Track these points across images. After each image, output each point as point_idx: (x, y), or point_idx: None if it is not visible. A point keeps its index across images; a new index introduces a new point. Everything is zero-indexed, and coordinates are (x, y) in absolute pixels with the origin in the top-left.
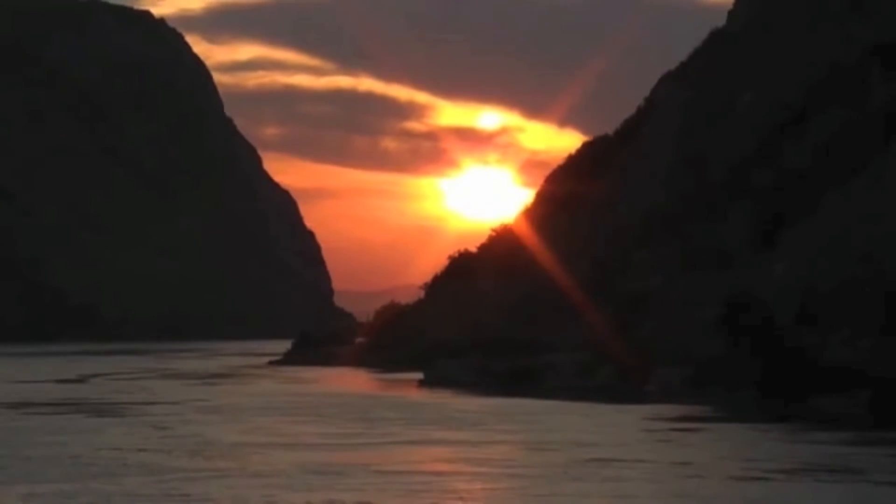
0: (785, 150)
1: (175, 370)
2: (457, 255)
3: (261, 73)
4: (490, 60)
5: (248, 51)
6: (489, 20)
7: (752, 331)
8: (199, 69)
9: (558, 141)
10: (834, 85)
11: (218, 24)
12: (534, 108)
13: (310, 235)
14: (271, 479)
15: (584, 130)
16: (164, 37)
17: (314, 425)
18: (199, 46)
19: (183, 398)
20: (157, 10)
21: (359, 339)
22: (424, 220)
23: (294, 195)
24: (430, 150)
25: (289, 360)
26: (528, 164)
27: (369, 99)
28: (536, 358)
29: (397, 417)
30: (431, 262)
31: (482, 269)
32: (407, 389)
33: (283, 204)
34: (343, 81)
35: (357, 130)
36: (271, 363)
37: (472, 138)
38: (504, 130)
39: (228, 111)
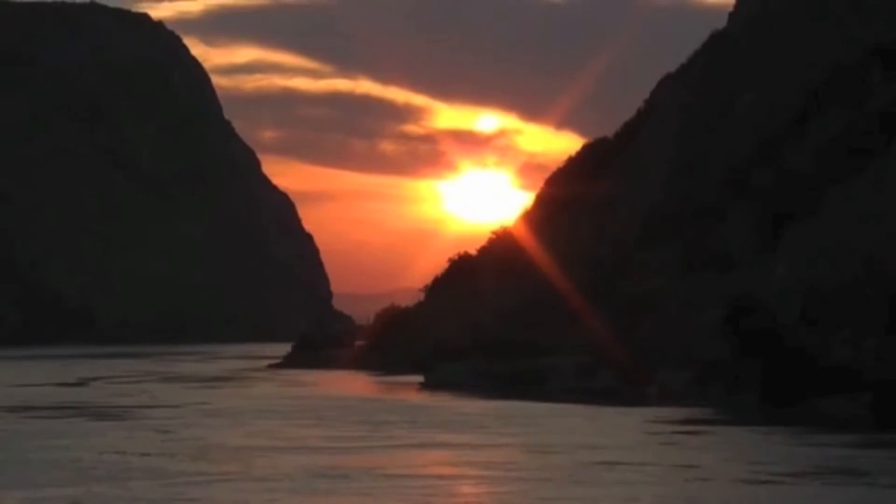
0: (785, 152)
1: (175, 373)
2: (457, 257)
3: (258, 75)
4: (487, 63)
5: (245, 53)
6: (487, 22)
7: (753, 333)
8: (197, 72)
9: (556, 143)
10: (834, 86)
11: (216, 27)
12: (531, 110)
13: (308, 238)
14: (276, 482)
15: (581, 133)
16: (163, 39)
17: (317, 428)
18: (197, 49)
19: (184, 401)
20: (155, 13)
21: (358, 342)
22: (423, 222)
23: (292, 198)
24: (428, 153)
25: (289, 363)
26: (526, 167)
27: (367, 101)
28: (537, 361)
29: (399, 420)
30: (430, 265)
31: (482, 272)
32: (408, 392)
33: (282, 206)
34: (341, 84)
35: (355, 133)
36: (271, 366)
37: (470, 141)
38: (502, 133)
39: (226, 114)
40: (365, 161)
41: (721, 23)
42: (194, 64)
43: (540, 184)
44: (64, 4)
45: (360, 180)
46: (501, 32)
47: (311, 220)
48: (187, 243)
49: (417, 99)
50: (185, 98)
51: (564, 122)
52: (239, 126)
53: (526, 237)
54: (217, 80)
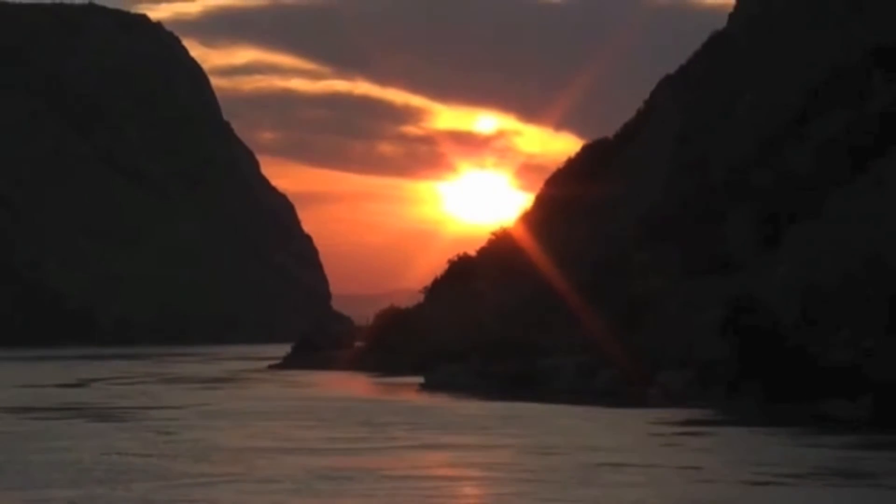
0: (786, 152)
1: (175, 374)
2: (456, 258)
3: (257, 77)
4: (486, 64)
5: (244, 55)
6: (485, 24)
7: (754, 333)
8: (196, 73)
9: (555, 144)
10: (835, 86)
11: (214, 28)
12: (530, 111)
13: (307, 239)
14: (279, 484)
15: (580, 134)
16: (161, 41)
17: (318, 429)
18: (196, 50)
19: (185, 403)
20: (153, 14)
21: (358, 343)
22: (422, 223)
23: (291, 199)
24: (427, 154)
25: (288, 363)
26: (525, 168)
27: (366, 103)
28: (538, 362)
29: (400, 421)
30: (429, 266)
31: (482, 273)
32: (408, 393)
33: (281, 208)
34: (339, 85)
35: (354, 134)
36: (271, 367)
37: (469, 142)
38: (500, 134)
39: (225, 115)
40: (364, 162)
41: (721, 23)
42: (193, 65)
43: (539, 185)
44: (62, 5)
45: (358, 181)
46: (500, 33)
47: (310, 221)
48: (186, 245)
49: (416, 100)
50: (184, 99)
51: (563, 123)
52: (237, 127)
53: (525, 238)
54: (215, 82)
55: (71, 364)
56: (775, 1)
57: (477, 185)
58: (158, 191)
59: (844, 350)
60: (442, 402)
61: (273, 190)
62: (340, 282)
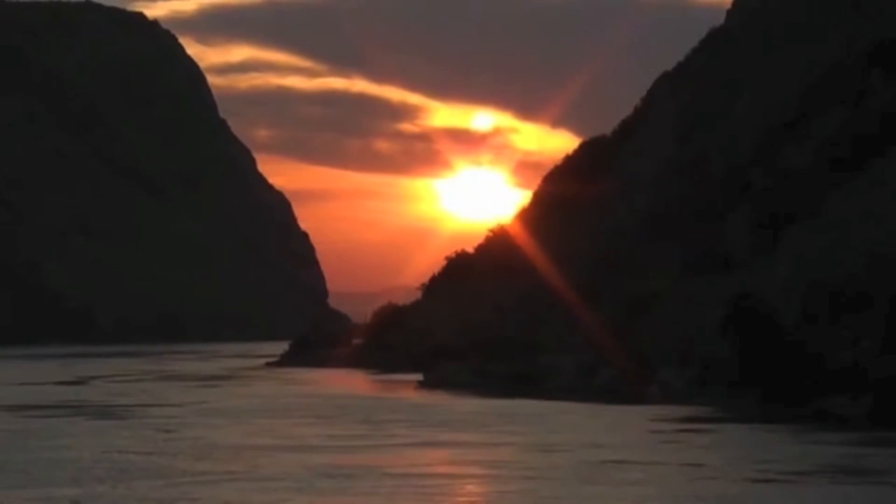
0: (785, 151)
1: (173, 372)
2: (454, 255)
3: (253, 74)
4: (482, 61)
5: (240, 52)
6: (481, 21)
7: (754, 331)
8: (193, 71)
9: (551, 142)
10: (834, 84)
11: (210, 26)
12: (526, 109)
13: (304, 237)
14: (281, 482)
15: (576, 131)
16: (158, 38)
17: (318, 427)
18: (192, 48)
19: (184, 400)
20: (150, 12)
21: (356, 341)
22: (419, 221)
23: (288, 197)
24: (424, 152)
25: (286, 361)
26: (521, 165)
27: (362, 100)
28: (537, 359)
29: (400, 419)
30: (427, 263)
31: (480, 270)
32: (406, 391)
33: (278, 206)
34: (336, 83)
35: (350, 132)
36: (269, 365)
37: (466, 139)
38: (497, 132)
39: (221, 113)
40: (360, 160)
41: (719, 20)
42: (190, 63)
43: (535, 182)
44: (59, 4)
45: (355, 179)
46: (496, 31)
47: (307, 218)
48: (184, 243)
49: (413, 97)
50: (182, 97)
51: (559, 121)
52: (233, 125)
53: (524, 236)
54: (211, 80)
55: (69, 362)
56: None
57: (474, 182)
58: (156, 189)
59: (845, 348)
60: (441, 400)
61: (270, 188)
62: (337, 279)
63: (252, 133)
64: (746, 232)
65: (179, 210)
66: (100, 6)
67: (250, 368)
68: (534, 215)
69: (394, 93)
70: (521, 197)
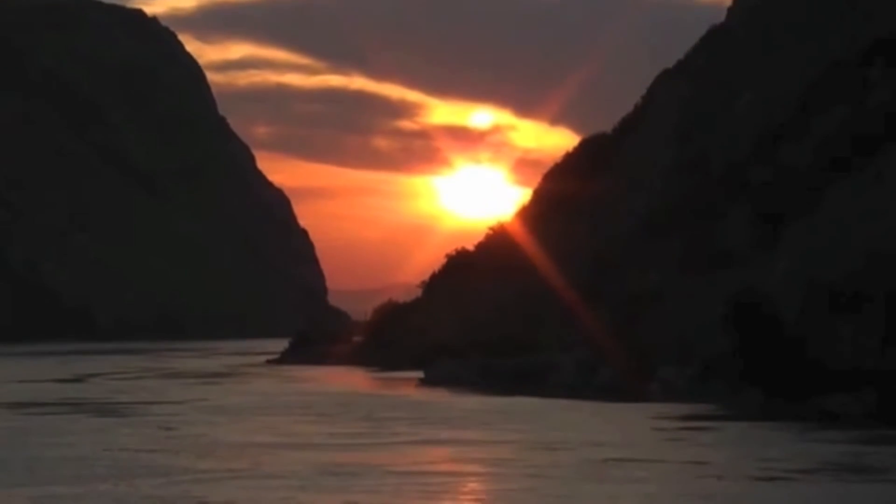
0: (785, 148)
1: (173, 369)
2: (454, 253)
3: (252, 71)
4: (481, 59)
5: (239, 49)
6: (480, 18)
7: (756, 329)
8: (192, 68)
9: (550, 139)
10: (834, 81)
11: (209, 23)
12: (525, 106)
13: (303, 234)
14: (285, 480)
15: (575, 129)
16: (157, 35)
17: (320, 425)
18: (191, 45)
19: (185, 398)
20: (149, 9)
21: (356, 338)
22: (418, 218)
23: (287, 194)
24: (423, 149)
25: (286, 358)
26: (521, 163)
27: (361, 98)
28: (537, 357)
29: (402, 417)
30: (426, 261)
31: (480, 268)
32: (407, 388)
33: (277, 203)
34: (335, 80)
35: (349, 129)
36: (269, 362)
37: (465, 137)
38: (496, 129)
39: (220, 110)
40: (359, 157)
41: (719, 17)
42: (189, 60)
43: (534, 180)
44: (58, 1)
45: (354, 176)
46: (495, 28)
47: (305, 216)
48: (183, 240)
49: (411, 95)
50: (181, 94)
51: (558, 118)
52: (233, 122)
53: (524, 233)
54: (211, 77)
55: (68, 359)
56: None
57: (472, 179)
58: (155, 187)
59: (847, 346)
60: (442, 398)
61: (270, 185)
62: (336, 276)
63: (251, 130)
64: (746, 229)
65: (178, 208)
66: (99, 3)
67: (250, 366)
68: (534, 213)
69: (393, 90)
70: (520, 194)
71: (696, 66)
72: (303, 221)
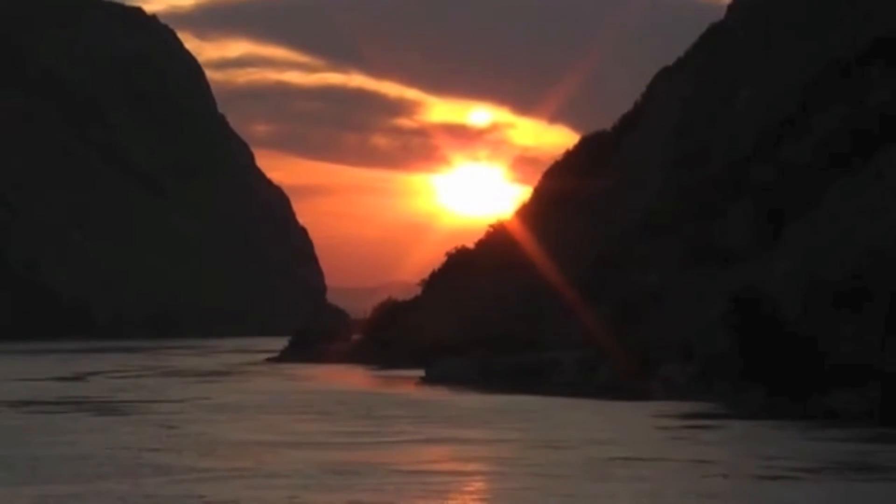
0: (785, 146)
1: (173, 368)
2: (454, 251)
3: (251, 69)
4: (480, 57)
5: (238, 47)
6: (479, 16)
7: (757, 327)
8: (191, 66)
9: (548, 137)
10: (835, 79)
11: (208, 21)
12: (524, 104)
13: (302, 232)
14: (288, 479)
15: (574, 126)
16: (156, 33)
17: (322, 423)
18: (190, 43)
19: (185, 396)
20: (148, 7)
21: (355, 336)
22: (416, 216)
23: (286, 191)
24: (421, 147)
25: (286, 357)
26: (519, 161)
27: (360, 95)
28: (538, 355)
29: (404, 415)
30: (424, 259)
31: (481, 266)
32: (408, 387)
33: (276, 201)
34: (333, 78)
35: (348, 127)
36: (269, 360)
37: (463, 135)
38: (494, 127)
39: (219, 108)
40: (358, 155)
41: (719, 15)
42: (188, 58)
43: (533, 178)
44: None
45: (352, 174)
46: (494, 26)
47: (304, 213)
48: (182, 238)
49: (410, 93)
50: (180, 92)
51: (557, 116)
52: (231, 120)
53: (524, 231)
54: (210, 74)
55: (67, 358)
56: None
57: (471, 177)
58: (153, 184)
59: (849, 344)
60: (443, 396)
61: (269, 183)
62: (333, 274)
63: (250, 128)
64: (747, 227)
65: (177, 205)
66: (98, 1)
67: (250, 364)
68: (534, 211)
69: (391, 88)
70: (518, 192)
71: (696, 64)
72: (301, 219)
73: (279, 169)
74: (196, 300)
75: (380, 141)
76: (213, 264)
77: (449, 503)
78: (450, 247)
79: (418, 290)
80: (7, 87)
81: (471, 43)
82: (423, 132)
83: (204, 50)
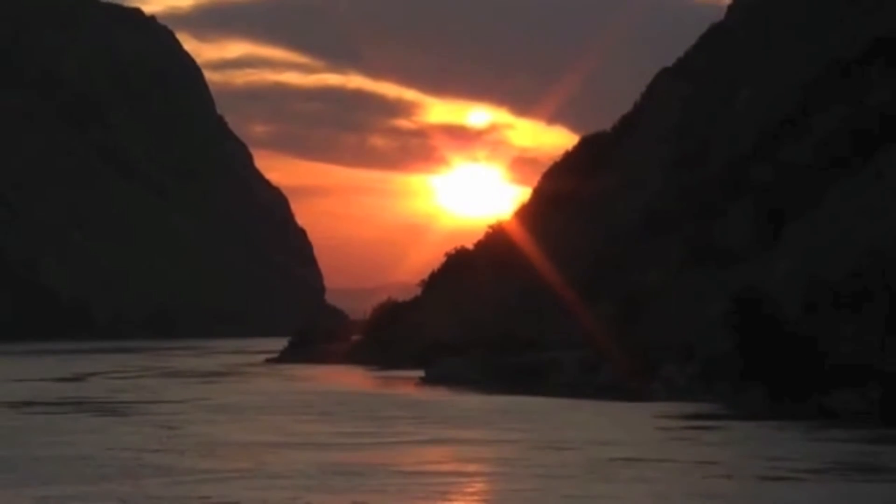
0: (785, 146)
1: (173, 368)
2: (453, 251)
3: (249, 70)
4: (479, 58)
5: (236, 48)
6: (477, 17)
7: (757, 327)
8: (190, 67)
9: (547, 138)
10: (835, 79)
11: (207, 22)
12: (523, 105)
13: (301, 233)
14: (290, 479)
15: (573, 127)
16: (155, 34)
17: (322, 424)
18: (189, 44)
19: (185, 397)
20: (147, 8)
21: (354, 337)
22: (415, 217)
23: (285, 192)
24: (420, 148)
25: (286, 357)
26: (518, 161)
27: (358, 96)
28: (539, 356)
29: (405, 416)
30: (422, 260)
31: (480, 266)
32: (408, 387)
33: (275, 202)
34: (332, 79)
35: (346, 128)
36: (268, 361)
37: (462, 135)
38: (493, 128)
39: (218, 109)
40: (356, 156)
41: (718, 16)
42: (187, 59)
43: (531, 178)
44: (56, 0)
45: (351, 175)
46: (492, 27)
47: (302, 214)
48: (181, 239)
49: (409, 94)
50: (179, 93)
51: (556, 117)
52: (230, 121)
53: (524, 232)
54: (208, 75)
55: (67, 358)
56: None
57: (469, 178)
58: (153, 185)
59: (850, 344)
60: (443, 396)
61: (268, 184)
62: (331, 275)
63: (248, 129)
64: (747, 227)
65: (176, 206)
66: (97, 2)
67: (250, 364)
68: (534, 212)
69: (390, 89)
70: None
71: (696, 64)
72: (300, 220)
73: (278, 169)
74: (196, 300)
75: (378, 142)
76: (212, 264)
77: None
78: (449, 247)
79: (418, 291)
80: (7, 87)
81: (469, 44)
82: (422, 133)
83: (203, 51)
